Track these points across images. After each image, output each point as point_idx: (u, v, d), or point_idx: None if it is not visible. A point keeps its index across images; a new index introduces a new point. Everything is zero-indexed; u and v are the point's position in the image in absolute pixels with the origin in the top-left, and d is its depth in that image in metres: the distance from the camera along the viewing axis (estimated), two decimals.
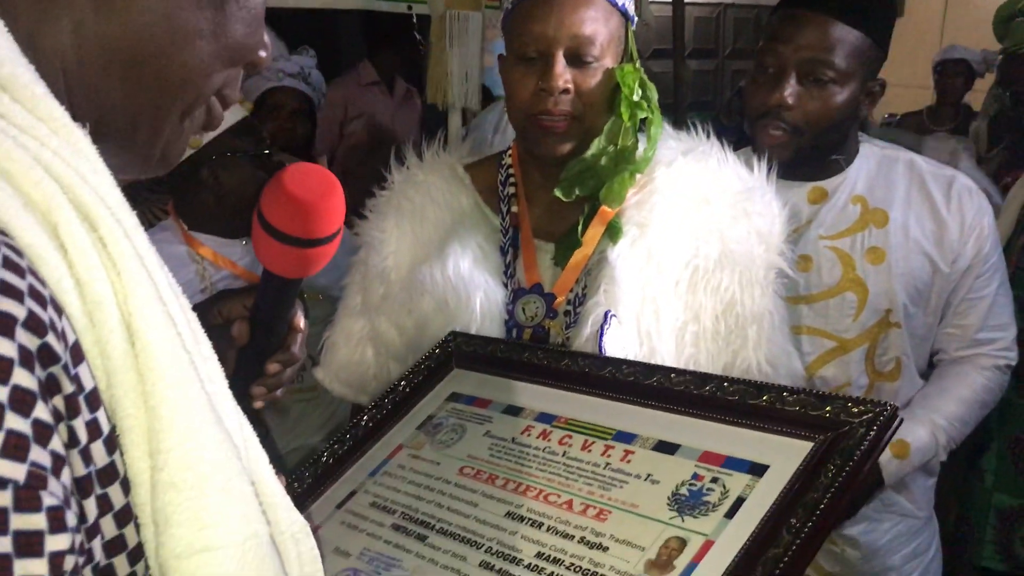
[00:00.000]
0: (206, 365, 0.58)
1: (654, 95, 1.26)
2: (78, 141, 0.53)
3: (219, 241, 1.85)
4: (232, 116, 1.78)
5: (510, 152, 1.37)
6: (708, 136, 1.33)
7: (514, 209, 1.33)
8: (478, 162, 1.41)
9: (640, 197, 1.26)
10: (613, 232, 1.25)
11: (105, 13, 0.57)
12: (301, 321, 0.95)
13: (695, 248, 1.23)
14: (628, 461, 0.99)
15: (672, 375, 1.05)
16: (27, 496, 0.43)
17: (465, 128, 2.77)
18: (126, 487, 0.51)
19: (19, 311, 0.45)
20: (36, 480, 0.44)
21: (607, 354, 1.16)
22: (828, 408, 0.91)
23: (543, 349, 1.19)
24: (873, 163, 1.64)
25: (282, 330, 0.94)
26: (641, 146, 1.27)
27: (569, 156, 1.24)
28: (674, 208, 1.24)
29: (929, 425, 1.58)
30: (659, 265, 1.22)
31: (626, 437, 1.02)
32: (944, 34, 6.98)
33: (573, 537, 0.92)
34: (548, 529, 0.95)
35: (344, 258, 1.32)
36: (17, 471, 0.43)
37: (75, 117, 0.54)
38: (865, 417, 0.88)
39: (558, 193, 1.23)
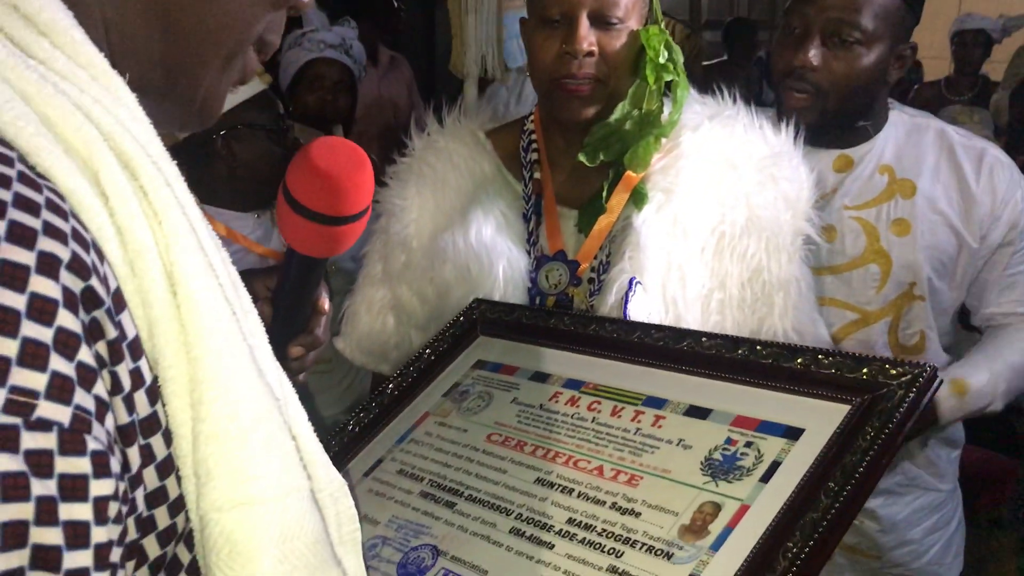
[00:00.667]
0: (247, 318, 0.57)
1: (680, 57, 1.24)
2: (118, 89, 0.52)
3: (232, 215, 1.84)
4: (250, 88, 1.76)
5: (532, 118, 1.35)
6: (735, 101, 1.31)
7: (537, 175, 1.31)
8: (500, 128, 1.39)
9: (666, 162, 1.24)
10: (638, 198, 1.23)
11: None
12: (326, 303, 0.92)
13: (721, 214, 1.21)
14: (659, 426, 0.97)
15: (703, 339, 1.03)
16: (72, 439, 0.42)
17: (482, 98, 2.74)
18: (168, 438, 0.50)
19: (63, 252, 0.44)
20: (81, 424, 0.43)
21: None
22: (865, 370, 0.88)
23: (569, 315, 1.18)
24: (902, 131, 1.60)
25: (306, 312, 0.91)
26: (666, 110, 1.25)
27: (593, 120, 1.22)
28: (700, 173, 1.22)
29: (988, 371, 1.54)
30: (685, 231, 1.20)
31: (656, 402, 1.00)
32: (962, 2, 6.87)
33: (604, 503, 0.91)
34: (579, 495, 0.93)
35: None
36: (62, 414, 0.42)
37: (114, 68, 0.53)
38: (904, 379, 0.85)
39: (582, 158, 1.22)
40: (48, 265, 0.43)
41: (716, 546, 0.82)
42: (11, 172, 0.44)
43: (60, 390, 0.42)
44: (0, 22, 0.49)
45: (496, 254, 1.25)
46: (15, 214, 0.43)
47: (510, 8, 3.50)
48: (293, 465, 0.55)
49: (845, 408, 0.87)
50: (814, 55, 1.48)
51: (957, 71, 4.78)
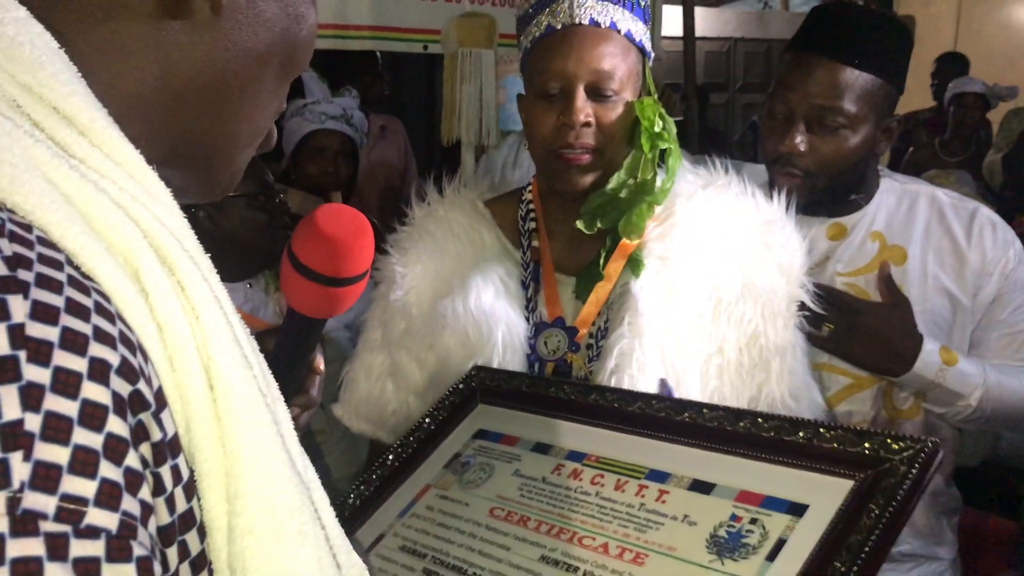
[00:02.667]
0: (276, 405, 0.57)
1: (673, 128, 1.27)
2: (153, 185, 0.54)
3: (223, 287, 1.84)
4: None
5: (530, 188, 1.38)
6: (727, 171, 1.34)
7: (535, 244, 1.34)
8: (499, 198, 1.42)
9: (661, 230, 1.27)
10: (635, 265, 1.25)
11: (190, 53, 0.58)
12: (321, 363, 0.94)
13: (717, 280, 1.22)
14: (663, 501, 0.96)
15: (704, 410, 1.03)
16: (119, 546, 0.43)
17: (477, 164, 2.79)
18: (202, 533, 0.51)
19: (113, 358, 0.45)
20: (127, 530, 0.43)
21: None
22: (867, 444, 0.88)
23: (569, 383, 1.18)
24: (893, 198, 1.62)
25: (302, 372, 0.93)
26: (660, 179, 1.27)
27: (590, 189, 1.24)
28: (695, 241, 1.24)
29: (980, 369, 1.51)
30: (681, 297, 1.21)
31: (660, 476, 1.00)
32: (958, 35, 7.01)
33: None
34: (584, 574, 0.92)
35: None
36: (110, 520, 0.42)
37: (149, 153, 0.54)
38: (906, 454, 0.85)
39: (580, 226, 1.24)
40: (99, 371, 0.44)
41: None
42: (61, 276, 0.45)
43: (109, 496, 0.43)
44: (41, 122, 0.50)
45: (495, 321, 1.26)
46: (68, 320, 0.44)
47: (507, 72, 3.57)
48: (324, 555, 0.55)
49: (848, 483, 0.86)
50: (800, 141, 1.49)
51: (953, 133, 4.85)
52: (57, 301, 0.44)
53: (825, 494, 0.87)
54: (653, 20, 3.17)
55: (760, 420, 0.98)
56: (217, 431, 0.50)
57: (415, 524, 1.09)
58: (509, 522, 1.03)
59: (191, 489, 0.50)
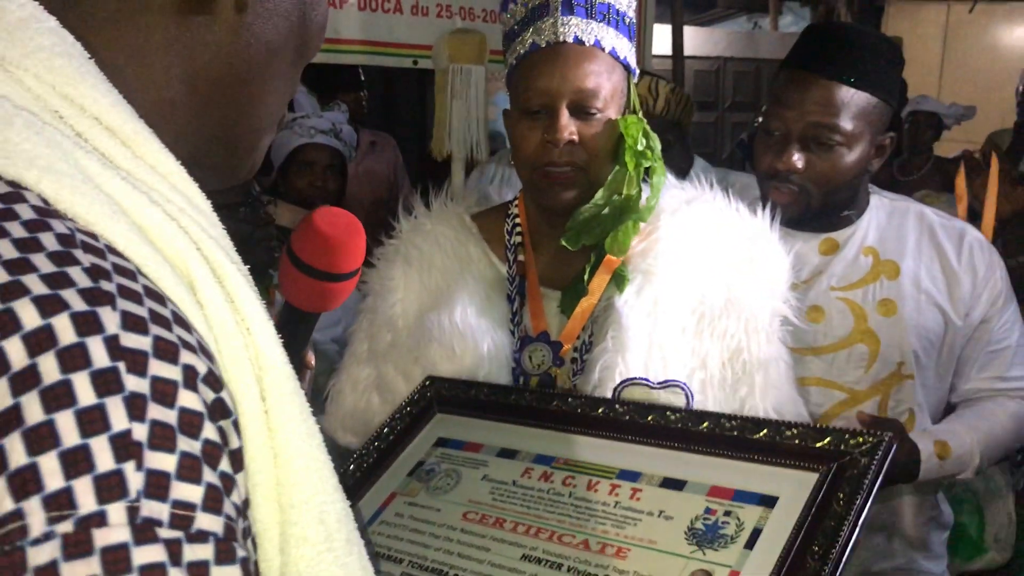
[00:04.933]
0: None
1: (657, 145, 1.28)
2: (194, 195, 0.54)
3: None
4: None
5: (516, 202, 1.39)
6: (711, 186, 1.35)
7: (520, 258, 1.34)
8: (485, 212, 1.43)
9: (645, 245, 1.28)
10: (619, 280, 1.26)
11: (214, 50, 0.58)
12: (312, 358, 0.97)
13: (701, 295, 1.24)
14: (637, 499, 0.99)
15: (668, 413, 1.05)
16: (225, 548, 0.43)
17: (467, 179, 2.80)
18: (254, 544, 0.50)
19: (201, 366, 0.45)
20: (230, 532, 0.44)
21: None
22: (828, 439, 0.93)
23: (529, 391, 1.19)
24: (883, 214, 1.64)
25: (295, 366, 0.98)
26: (645, 195, 1.29)
27: (575, 205, 1.26)
28: (679, 256, 1.25)
29: (969, 439, 1.55)
30: (665, 312, 1.22)
31: (631, 475, 1.02)
32: (942, 87, 7.09)
33: None
34: (569, 570, 0.94)
35: (337, 311, 1.34)
36: (216, 524, 0.43)
37: (175, 154, 0.54)
38: (865, 447, 0.90)
39: (564, 242, 1.25)
40: (190, 379, 0.44)
41: None
42: (138, 287, 0.45)
43: (213, 501, 0.43)
44: (84, 133, 0.50)
45: (480, 334, 1.27)
46: (156, 330, 0.44)
47: (499, 89, 3.59)
48: (367, 563, 0.56)
49: (814, 476, 0.91)
50: (797, 159, 1.51)
51: (911, 151, 4.92)
52: (141, 311, 0.44)
53: (793, 486, 0.91)
54: (643, 39, 3.22)
55: (723, 420, 1.01)
56: (269, 441, 0.50)
57: (386, 531, 1.09)
58: (485, 524, 1.03)
59: (247, 501, 0.50)
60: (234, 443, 0.47)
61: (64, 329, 0.41)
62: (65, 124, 0.50)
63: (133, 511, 0.40)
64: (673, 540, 0.92)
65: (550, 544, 0.97)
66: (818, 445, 0.93)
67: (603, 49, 1.23)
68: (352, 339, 1.43)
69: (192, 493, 0.42)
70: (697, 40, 7.65)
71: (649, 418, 1.06)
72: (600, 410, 1.10)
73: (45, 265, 0.43)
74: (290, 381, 0.53)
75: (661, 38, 4.34)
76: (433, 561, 1.02)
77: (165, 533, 0.41)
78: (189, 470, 0.43)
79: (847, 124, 1.49)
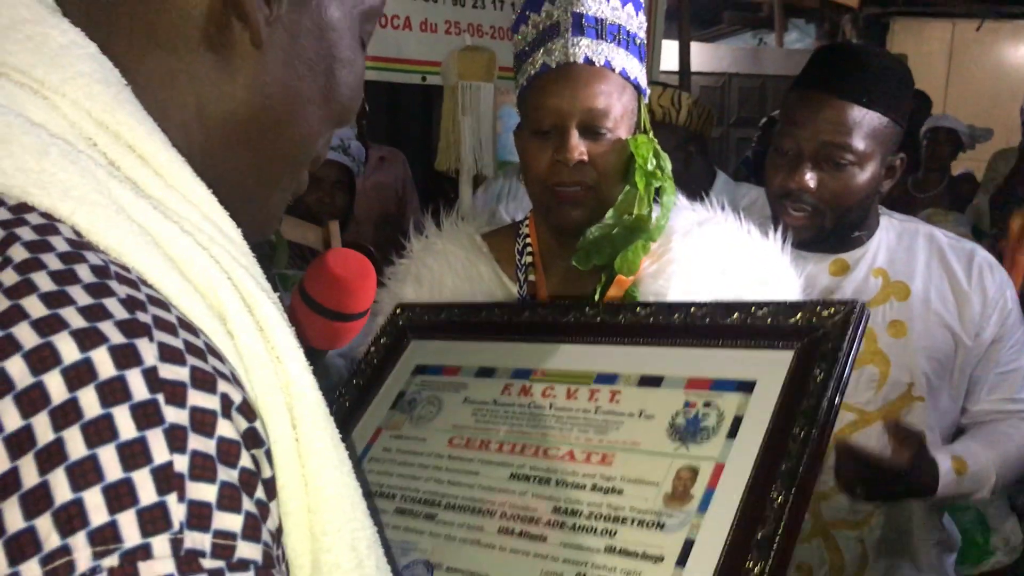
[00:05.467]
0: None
1: (668, 165, 1.28)
2: (224, 224, 0.54)
3: None
4: None
5: (527, 222, 1.40)
6: (723, 208, 1.35)
7: (531, 278, 1.35)
8: (496, 231, 1.43)
9: (657, 267, 1.28)
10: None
11: (229, 87, 0.57)
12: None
13: None
14: (617, 401, 0.98)
15: (638, 308, 1.05)
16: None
17: (475, 194, 2.81)
18: (288, 570, 0.51)
19: (236, 395, 0.46)
20: (268, 559, 0.44)
21: None
22: (799, 315, 0.92)
23: (499, 305, 1.19)
24: (893, 235, 1.65)
25: None
26: (655, 216, 1.29)
27: (585, 225, 1.26)
28: (690, 278, 1.25)
29: (985, 459, 1.55)
30: None
31: (608, 378, 1.01)
32: (946, 105, 7.10)
33: (584, 486, 0.92)
34: (557, 483, 0.93)
35: None
36: (256, 552, 0.43)
37: None
38: (837, 317, 0.89)
39: (575, 262, 1.25)
40: (227, 408, 0.45)
41: (703, 508, 0.83)
42: (172, 318, 0.45)
43: (252, 529, 0.44)
44: (117, 160, 0.50)
45: None
46: (192, 360, 0.44)
47: (506, 102, 3.61)
48: None
49: (789, 354, 0.90)
50: (810, 178, 1.51)
51: (927, 167, 4.92)
52: (177, 342, 0.44)
53: (769, 368, 0.90)
54: (652, 55, 3.23)
55: (693, 309, 1.00)
56: (300, 470, 0.51)
57: (375, 468, 1.08)
58: (470, 448, 1.03)
59: (280, 529, 0.51)
60: (267, 472, 0.48)
61: (103, 362, 0.42)
62: (99, 152, 0.50)
63: (177, 543, 0.40)
64: (656, 439, 0.91)
65: (536, 460, 0.97)
66: (791, 321, 0.92)
67: (613, 69, 1.24)
68: None
69: (233, 522, 0.43)
70: (703, 56, 7.68)
71: (620, 317, 1.05)
72: (571, 315, 1.09)
73: (82, 297, 0.43)
74: (320, 409, 0.53)
75: (668, 54, 4.36)
76: (425, 492, 1.01)
77: (208, 563, 0.41)
78: (229, 499, 0.43)
79: (859, 144, 1.49)
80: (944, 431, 1.65)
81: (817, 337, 0.89)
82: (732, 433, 0.87)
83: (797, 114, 1.54)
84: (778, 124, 1.60)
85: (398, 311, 1.24)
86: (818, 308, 0.91)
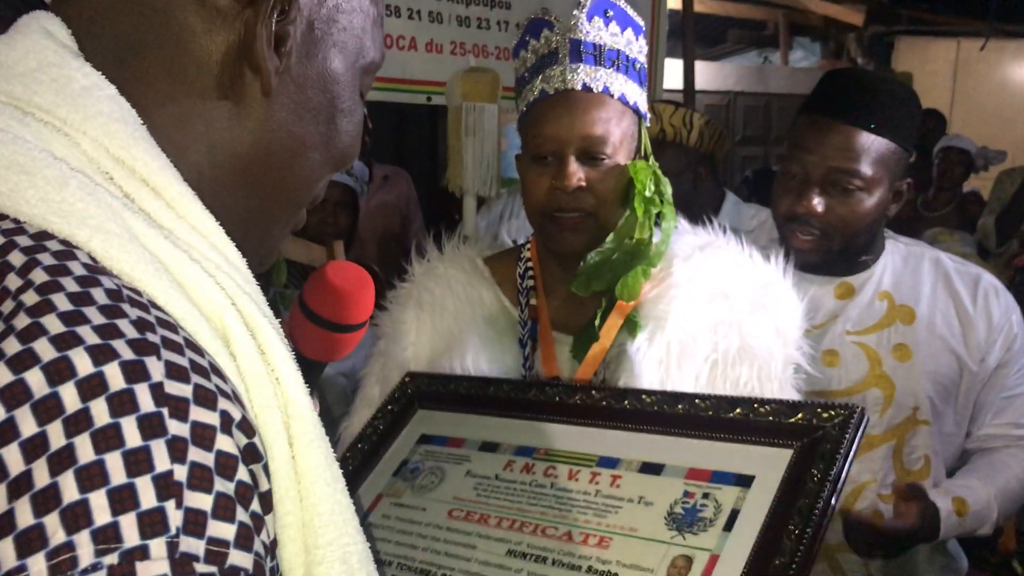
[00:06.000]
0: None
1: (668, 190, 1.29)
2: (231, 253, 0.57)
3: None
4: None
5: (529, 246, 1.40)
6: (724, 231, 1.35)
7: (533, 302, 1.34)
8: (498, 255, 1.43)
9: (658, 291, 1.27)
10: (631, 326, 1.25)
11: (239, 131, 0.61)
12: (317, 405, 0.98)
13: (714, 342, 1.23)
14: (617, 486, 0.99)
15: (643, 396, 1.06)
16: None
17: (478, 213, 2.81)
18: None
19: (236, 412, 0.49)
20: (259, 569, 0.47)
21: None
22: (800, 415, 0.94)
23: (508, 382, 1.20)
24: (899, 259, 1.65)
25: None
26: (655, 241, 1.28)
27: (584, 250, 1.26)
28: (692, 302, 1.25)
29: (985, 495, 1.54)
30: (678, 359, 1.22)
31: (610, 462, 1.03)
32: (952, 124, 7.11)
33: (580, 568, 0.92)
34: (554, 563, 0.94)
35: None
36: (247, 560, 0.46)
37: None
38: (837, 420, 0.91)
39: (574, 288, 1.25)
40: (227, 425, 0.48)
41: None
42: (179, 339, 0.49)
43: (245, 539, 0.46)
44: (132, 194, 0.54)
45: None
46: (196, 378, 0.47)
47: (509, 122, 3.61)
48: None
49: (788, 452, 0.92)
50: (818, 203, 1.52)
51: (937, 186, 4.92)
52: (183, 361, 0.47)
53: (768, 464, 0.92)
54: (655, 74, 3.23)
55: (697, 401, 1.02)
56: (296, 485, 0.54)
57: (374, 534, 1.09)
58: (470, 521, 1.04)
59: (275, 541, 0.53)
60: (264, 486, 0.51)
61: (114, 376, 0.45)
62: (115, 185, 0.54)
63: (172, 546, 0.43)
64: (653, 526, 0.93)
65: (534, 538, 0.98)
66: (791, 421, 0.94)
67: (612, 95, 1.24)
68: (364, 382, 1.43)
69: (226, 531, 0.45)
70: (708, 74, 7.70)
71: (625, 403, 1.07)
72: (577, 397, 1.11)
73: (97, 317, 0.47)
74: (316, 428, 0.56)
75: (672, 73, 4.38)
76: (421, 562, 1.02)
77: (201, 568, 0.44)
78: (224, 509, 0.46)
79: (867, 169, 1.50)
80: (949, 456, 1.64)
81: (816, 438, 0.92)
82: (728, 526, 0.89)
83: (805, 139, 1.54)
84: (785, 147, 1.61)
85: (407, 379, 1.26)
86: (819, 409, 0.93)
